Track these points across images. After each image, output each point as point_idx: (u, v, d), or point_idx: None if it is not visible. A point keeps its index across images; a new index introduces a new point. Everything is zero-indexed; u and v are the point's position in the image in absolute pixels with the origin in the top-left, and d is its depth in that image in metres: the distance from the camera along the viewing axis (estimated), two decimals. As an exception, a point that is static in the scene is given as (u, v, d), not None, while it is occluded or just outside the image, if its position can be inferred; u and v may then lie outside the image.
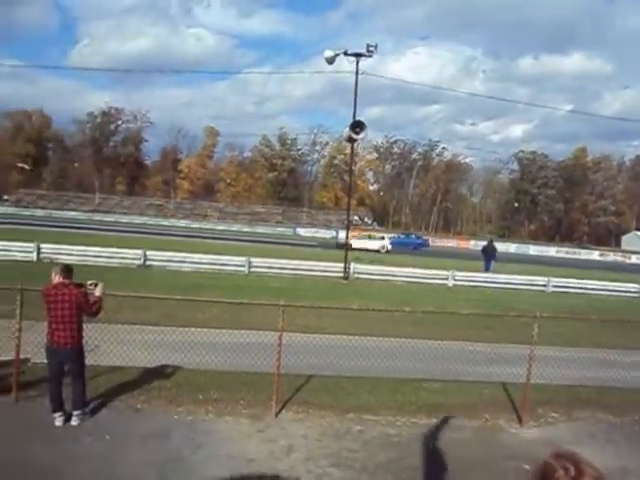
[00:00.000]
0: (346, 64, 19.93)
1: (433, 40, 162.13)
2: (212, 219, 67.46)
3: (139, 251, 19.07)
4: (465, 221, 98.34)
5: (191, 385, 6.78)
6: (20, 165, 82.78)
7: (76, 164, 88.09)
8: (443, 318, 10.74)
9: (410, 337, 9.74)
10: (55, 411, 5.47)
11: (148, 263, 18.76)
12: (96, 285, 5.58)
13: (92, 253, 18.58)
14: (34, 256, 18.09)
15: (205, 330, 8.68)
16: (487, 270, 24.35)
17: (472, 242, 59.35)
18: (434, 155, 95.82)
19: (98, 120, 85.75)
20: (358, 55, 19.46)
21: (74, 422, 5.51)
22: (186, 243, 29.29)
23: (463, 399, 7.20)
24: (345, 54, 19.37)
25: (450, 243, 61.66)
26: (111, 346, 7.01)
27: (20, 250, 18.37)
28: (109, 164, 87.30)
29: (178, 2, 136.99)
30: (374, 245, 38.17)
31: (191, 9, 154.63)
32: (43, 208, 63.02)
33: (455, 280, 20.55)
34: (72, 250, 18.54)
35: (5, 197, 73.36)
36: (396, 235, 51.42)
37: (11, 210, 57.07)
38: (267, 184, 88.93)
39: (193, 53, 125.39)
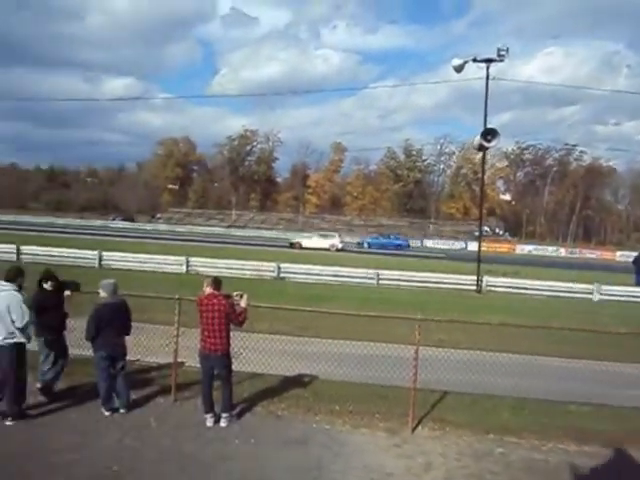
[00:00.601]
0: (472, 71, 19.38)
1: (566, 38, 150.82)
2: (340, 232, 68.77)
3: (274, 264, 20.11)
4: (610, 230, 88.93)
5: (327, 395, 6.94)
6: (170, 187, 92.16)
7: (216, 184, 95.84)
8: (591, 336, 9.82)
9: (553, 355, 9.05)
10: (207, 412, 5.96)
11: (282, 275, 19.70)
12: (241, 296, 5.99)
13: (235, 265, 19.93)
14: (184, 269, 19.96)
15: (338, 341, 8.85)
16: (639, 284, 21.84)
17: (618, 253, 53.73)
18: (571, 159, 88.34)
19: (235, 142, 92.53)
20: (489, 61, 18.81)
21: (223, 423, 5.94)
22: (316, 256, 30.24)
23: (622, 426, 6.48)
24: (474, 61, 18.82)
25: (591, 254, 56.28)
26: (251, 354, 7.45)
27: (172, 263, 20.38)
28: (244, 182, 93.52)
29: (307, 27, 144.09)
30: (324, 244, 38.94)
31: (319, 32, 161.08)
32: (188, 224, 69.14)
33: (601, 294, 18.71)
34: (216, 263, 20.07)
35: (158, 215, 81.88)
36: (375, 235, 53.80)
37: (163, 227, 63.40)
38: (393, 196, 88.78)
39: (320, 73, 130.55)
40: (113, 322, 5.97)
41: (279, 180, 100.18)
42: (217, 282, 5.96)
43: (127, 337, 6.31)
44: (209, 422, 5.93)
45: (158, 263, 20.41)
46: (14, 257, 20.53)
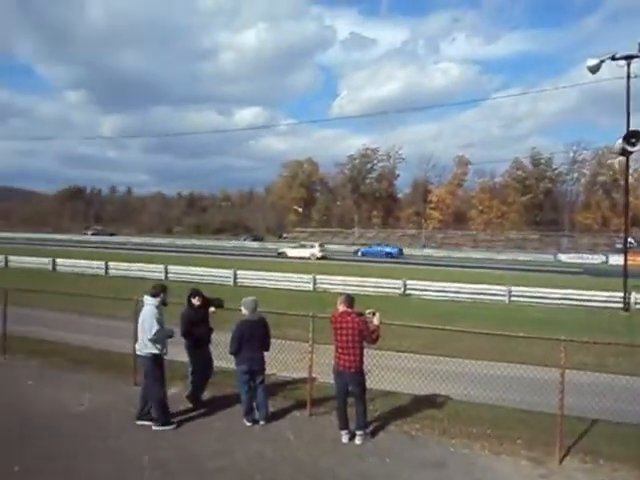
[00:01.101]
0: (605, 71, 17.74)
1: None
2: (465, 248, 66.35)
3: (399, 281, 19.94)
4: None
5: (463, 417, 6.66)
6: (295, 208, 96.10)
7: (338, 202, 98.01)
8: None
9: None
10: (342, 429, 6.03)
11: (407, 292, 19.45)
12: (374, 314, 6.01)
13: (355, 283, 20.13)
14: (311, 286, 20.60)
15: (471, 361, 8.50)
16: None
17: None
18: None
19: (356, 161, 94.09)
20: (630, 57, 17.11)
21: (358, 441, 5.96)
22: (441, 272, 29.44)
23: None
24: (613, 59, 17.24)
25: None
26: (381, 372, 7.39)
27: (300, 281, 21.14)
28: (366, 200, 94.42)
29: (425, 43, 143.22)
30: (305, 253, 42.81)
31: (437, 46, 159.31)
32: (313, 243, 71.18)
33: None
34: (344, 280, 20.42)
35: (285, 235, 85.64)
36: (368, 245, 56.76)
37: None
38: (521, 208, 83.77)
39: (440, 86, 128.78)
40: (253, 338, 6.32)
41: (400, 196, 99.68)
42: (350, 300, 6.06)
43: (266, 352, 6.62)
44: (344, 438, 6.00)
45: (287, 281, 21.30)
46: (163, 276, 22.72)
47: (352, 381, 5.95)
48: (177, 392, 7.43)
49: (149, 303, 6.31)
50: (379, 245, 55.03)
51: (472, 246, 69.01)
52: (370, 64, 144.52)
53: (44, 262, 27.48)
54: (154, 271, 23.72)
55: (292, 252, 43.85)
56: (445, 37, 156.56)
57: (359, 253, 50.74)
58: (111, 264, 25.65)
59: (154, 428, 6.18)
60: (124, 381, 7.87)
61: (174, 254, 39.57)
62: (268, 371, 7.14)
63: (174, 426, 6.24)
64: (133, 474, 5.09)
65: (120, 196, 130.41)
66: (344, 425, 6.03)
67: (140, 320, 6.32)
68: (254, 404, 6.50)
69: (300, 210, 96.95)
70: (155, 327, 6.14)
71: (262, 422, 6.43)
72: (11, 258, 28.88)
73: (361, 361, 5.95)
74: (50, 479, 4.93)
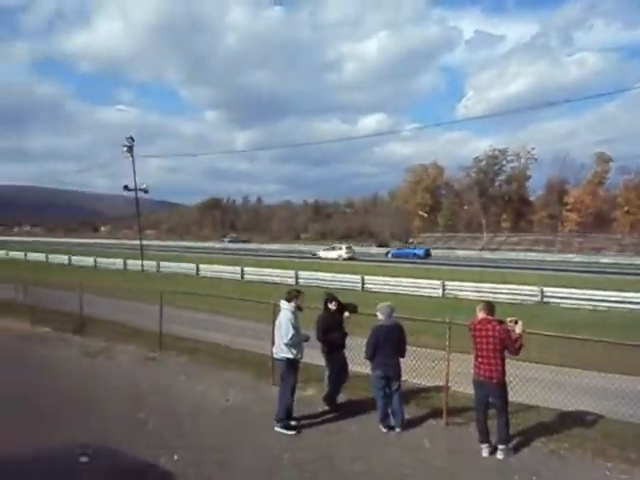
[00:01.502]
0: None
1: None
2: (608, 252, 60.27)
3: (535, 287, 18.69)
4: None
5: (619, 438, 6.03)
6: (420, 213, 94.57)
7: (465, 207, 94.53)
8: None
9: None
10: (482, 442, 5.77)
11: (546, 300, 18.14)
12: (516, 322, 5.69)
13: (487, 289, 19.21)
14: (440, 292, 20.10)
15: (620, 376, 7.71)
16: None
17: None
18: None
19: (483, 163, 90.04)
20: None
21: (499, 456, 5.67)
22: (583, 279, 27.02)
23: None
24: None
25: None
26: (522, 384, 6.95)
27: (428, 287, 20.73)
28: (494, 203, 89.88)
29: (557, 34, 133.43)
30: (334, 255, 46.08)
31: (570, 37, 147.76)
32: (439, 249, 69.49)
33: None
34: (477, 287, 19.65)
35: (410, 240, 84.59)
36: (396, 247, 60.34)
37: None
38: (677, 207, 74.07)
39: (575, 79, 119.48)
40: (388, 343, 6.31)
41: (532, 199, 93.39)
42: (490, 307, 5.80)
43: (401, 359, 6.57)
44: (484, 452, 5.74)
45: (414, 287, 20.99)
46: (294, 281, 23.67)
47: (493, 392, 5.68)
48: (313, 394, 7.68)
49: (285, 308, 6.57)
50: (407, 248, 58.23)
51: (618, 250, 62.34)
52: (497, 62, 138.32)
53: (190, 267, 30.12)
54: (285, 276, 24.81)
55: (323, 254, 47.09)
56: (580, 26, 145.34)
57: (389, 255, 52.20)
58: (246, 269, 27.31)
59: (276, 429, 6.39)
60: (264, 380, 8.30)
61: (303, 260, 40.98)
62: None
63: (294, 432, 6.33)
64: (276, 471, 5.34)
65: (252, 205, 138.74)
66: (484, 438, 5.77)
67: (277, 324, 6.61)
68: (389, 410, 6.48)
69: (425, 215, 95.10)
70: (291, 332, 6.35)
71: (398, 429, 6.38)
72: (162, 264, 32.07)
73: (503, 371, 5.66)
74: (205, 469, 5.33)
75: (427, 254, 51.71)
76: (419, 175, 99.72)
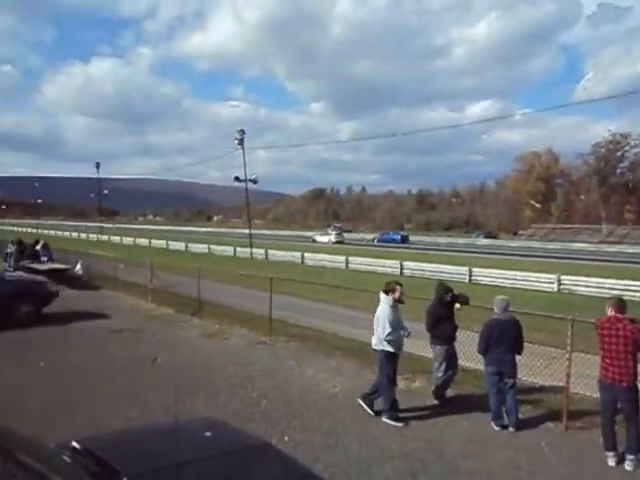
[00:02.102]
0: None
1: None
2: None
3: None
4: None
5: None
6: (531, 202, 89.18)
7: (582, 196, 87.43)
8: None
9: None
10: (608, 450, 5.33)
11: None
12: (651, 322, 5.17)
13: (609, 285, 17.66)
14: (555, 287, 18.84)
15: None
16: None
17: None
18: None
19: (602, 150, 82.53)
20: None
21: (628, 467, 5.20)
22: None
23: None
24: None
25: None
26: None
27: (541, 281, 19.52)
28: (616, 192, 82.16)
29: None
30: (325, 239, 52.81)
31: None
32: (553, 241, 65.10)
33: None
34: (599, 283, 18.17)
35: (520, 232, 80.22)
36: (379, 233, 65.62)
37: (524, 244, 61.49)
38: None
39: None
40: (502, 338, 6.04)
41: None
42: (621, 304, 5.31)
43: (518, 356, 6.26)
44: (611, 461, 5.29)
45: (526, 280, 19.87)
46: (398, 271, 23.49)
47: (623, 397, 5.21)
48: (420, 386, 7.58)
49: (383, 301, 6.48)
50: (388, 234, 63.99)
51: None
52: (623, 38, 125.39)
53: (295, 256, 31.03)
54: (390, 267, 24.68)
55: (319, 238, 53.71)
56: None
57: (375, 240, 59.52)
58: (350, 259, 27.56)
59: (384, 419, 6.34)
60: (370, 369, 8.32)
61: (406, 250, 40.48)
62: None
63: (403, 424, 6.25)
64: (385, 459, 5.33)
65: (355, 195, 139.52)
66: (611, 446, 5.32)
67: (376, 316, 6.54)
68: (503, 409, 6.21)
69: (537, 205, 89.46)
70: (387, 329, 6.25)
71: (512, 429, 6.09)
72: (269, 252, 33.37)
73: (635, 374, 5.17)
74: (315, 451, 5.45)
75: (404, 240, 58.84)
76: (531, 163, 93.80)
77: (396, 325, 6.39)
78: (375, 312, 6.66)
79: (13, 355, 9.07)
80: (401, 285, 6.67)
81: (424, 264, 24.01)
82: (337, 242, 52.13)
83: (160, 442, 3.51)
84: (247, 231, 45.41)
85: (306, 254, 30.68)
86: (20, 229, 71.25)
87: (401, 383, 7.77)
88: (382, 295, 6.56)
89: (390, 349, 6.37)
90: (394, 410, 6.40)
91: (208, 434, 3.63)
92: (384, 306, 6.46)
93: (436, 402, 6.91)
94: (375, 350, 6.61)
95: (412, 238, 63.38)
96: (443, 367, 6.86)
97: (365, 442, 5.73)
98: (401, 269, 23.93)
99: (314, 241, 53.49)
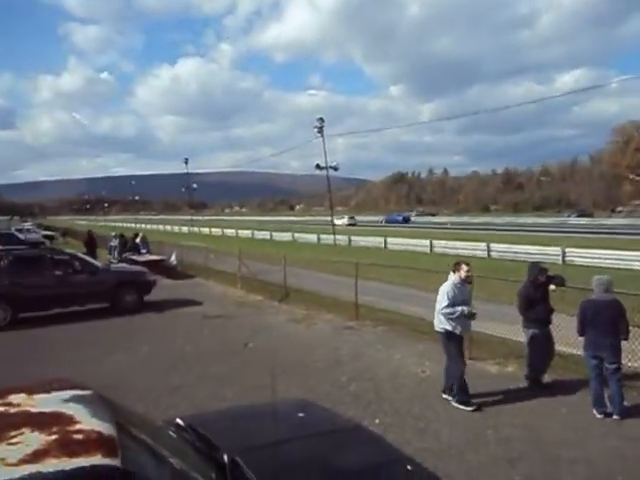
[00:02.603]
0: None
1: None
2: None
3: None
4: None
5: None
6: (631, 176, 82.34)
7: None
8: None
9: None
10: None
11: None
12: None
13: None
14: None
15: None
16: None
17: None
18: None
19: None
20: None
21: None
22: None
23: None
24: None
25: None
26: None
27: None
28: None
29: None
30: (340, 222, 59.90)
31: None
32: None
33: None
34: None
35: (619, 209, 74.53)
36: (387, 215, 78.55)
37: (624, 221, 56.98)
38: None
39: None
40: (599, 320, 5.66)
41: None
42: None
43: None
44: None
45: (624, 260, 18.38)
46: (485, 254, 22.72)
47: None
48: (513, 371, 7.31)
49: (449, 279, 6.36)
50: (392, 215, 76.01)
51: None
52: None
53: (378, 241, 30.95)
54: (476, 249, 23.90)
55: (337, 221, 55.37)
56: None
57: (382, 221, 70.77)
58: (435, 242, 27.00)
59: (453, 404, 6.19)
60: (460, 354, 8.16)
61: (493, 232, 38.99)
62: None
63: (472, 408, 6.05)
64: (480, 445, 5.21)
65: (438, 178, 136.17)
66: None
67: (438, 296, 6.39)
68: (605, 395, 5.84)
69: (638, 179, 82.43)
70: (444, 303, 6.13)
71: (616, 416, 5.72)
72: (352, 238, 33.53)
73: None
74: (406, 434, 5.43)
75: (406, 220, 70.09)
76: (629, 134, 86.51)
77: (457, 303, 6.18)
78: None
79: (122, 339, 9.87)
80: (468, 264, 6.48)
81: (514, 246, 22.99)
82: (350, 224, 63.46)
83: (257, 421, 3.68)
84: (329, 218, 45.81)
85: (389, 239, 30.47)
86: (121, 224, 76.70)
87: (493, 368, 7.57)
88: (450, 274, 6.42)
89: (450, 327, 6.21)
90: (464, 393, 6.21)
91: (301, 415, 3.75)
92: (446, 284, 6.33)
93: (531, 388, 6.63)
94: (436, 331, 6.49)
95: (500, 220, 60.85)
96: (538, 351, 6.55)
97: (457, 427, 5.63)
98: (488, 251, 23.08)
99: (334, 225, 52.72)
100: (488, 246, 23.37)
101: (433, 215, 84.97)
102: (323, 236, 36.62)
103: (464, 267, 6.36)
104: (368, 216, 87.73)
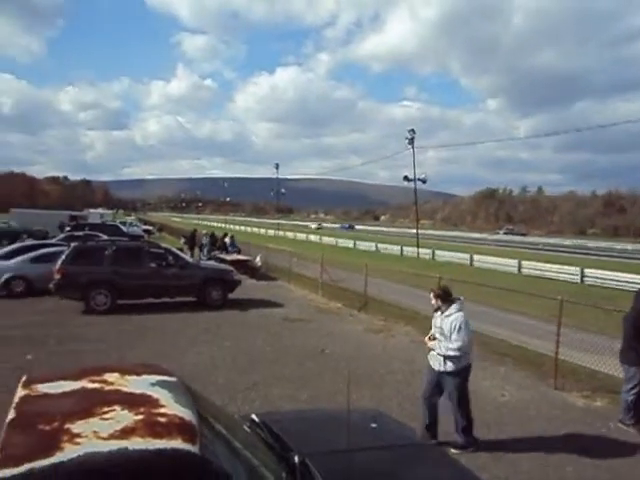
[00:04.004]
0: None
1: None
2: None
3: None
4: None
5: None
6: None
7: None
8: None
9: None
10: None
11: None
12: None
13: None
14: None
15: None
16: None
17: None
18: None
19: None
20: None
21: None
22: None
23: None
24: None
25: None
26: None
27: None
28: None
29: None
30: (313, 226, 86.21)
31: None
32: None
33: None
34: None
35: None
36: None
37: None
38: None
39: None
40: None
41: None
42: None
43: None
44: None
45: None
46: (578, 279, 21.29)
47: None
48: (601, 406, 6.79)
49: (456, 308, 5.45)
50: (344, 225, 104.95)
51: None
52: None
53: (463, 257, 30.01)
54: (568, 273, 22.48)
55: (310, 225, 68.77)
56: None
57: (342, 228, 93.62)
58: (524, 263, 25.74)
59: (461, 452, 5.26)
60: (545, 383, 7.72)
61: (588, 257, 36.48)
62: None
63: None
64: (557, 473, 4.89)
65: (531, 196, 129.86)
66: None
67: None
68: None
69: None
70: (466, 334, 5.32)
71: None
72: (436, 252, 32.81)
73: None
74: (478, 459, 5.19)
75: (350, 227, 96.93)
76: None
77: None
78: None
79: (206, 333, 10.33)
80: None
81: (617, 273, 21.30)
82: (318, 228, 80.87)
83: (329, 426, 3.70)
84: (414, 231, 45.12)
85: (476, 256, 29.45)
86: (212, 224, 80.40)
87: (579, 401, 7.07)
88: (456, 305, 5.54)
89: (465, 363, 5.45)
90: (470, 434, 5.53)
91: (374, 425, 3.71)
92: (461, 314, 5.43)
93: (624, 426, 6.10)
94: (451, 373, 5.41)
95: (596, 244, 56.69)
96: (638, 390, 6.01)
97: (537, 459, 5.30)
98: (582, 276, 21.57)
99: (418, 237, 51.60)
100: (582, 271, 21.87)
101: (523, 235, 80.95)
102: (407, 248, 36.11)
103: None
104: (453, 232, 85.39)
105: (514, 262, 26.17)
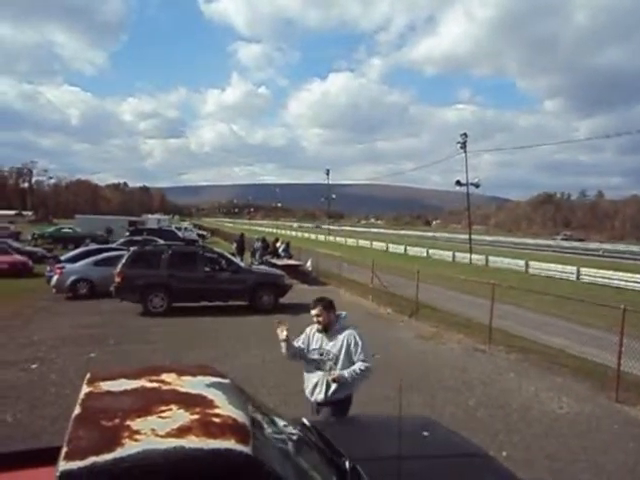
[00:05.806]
0: None
1: None
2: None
3: None
4: None
5: None
6: None
7: None
8: None
9: None
10: None
11: None
12: None
13: None
14: None
15: None
16: None
17: None
18: None
19: None
20: None
21: None
22: None
23: None
24: None
25: None
26: None
27: None
28: None
29: None
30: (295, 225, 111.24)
31: None
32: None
33: None
34: None
35: None
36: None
37: None
38: None
39: None
40: None
41: None
42: None
43: None
44: None
45: None
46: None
47: None
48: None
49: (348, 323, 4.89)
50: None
51: None
52: None
53: (518, 264, 29.08)
54: (631, 280, 21.38)
55: (293, 224, 72.96)
56: None
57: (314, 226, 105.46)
58: (583, 270, 24.69)
59: None
60: (605, 395, 7.38)
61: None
62: None
63: None
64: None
65: (590, 201, 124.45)
66: None
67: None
68: None
69: None
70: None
71: None
72: (490, 258, 31.95)
73: None
74: (537, 473, 5.02)
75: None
76: None
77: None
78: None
79: (258, 337, 10.47)
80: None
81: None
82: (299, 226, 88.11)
83: (380, 432, 3.67)
84: (466, 236, 44.16)
85: (531, 262, 28.47)
86: (263, 229, 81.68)
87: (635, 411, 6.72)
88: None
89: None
90: None
91: (426, 434, 3.66)
92: (356, 332, 4.73)
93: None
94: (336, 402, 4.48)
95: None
96: None
97: (600, 476, 5.06)
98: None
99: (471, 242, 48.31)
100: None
101: (581, 240, 77.52)
102: (459, 254, 35.37)
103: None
104: (507, 237, 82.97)
105: (573, 269, 25.14)
